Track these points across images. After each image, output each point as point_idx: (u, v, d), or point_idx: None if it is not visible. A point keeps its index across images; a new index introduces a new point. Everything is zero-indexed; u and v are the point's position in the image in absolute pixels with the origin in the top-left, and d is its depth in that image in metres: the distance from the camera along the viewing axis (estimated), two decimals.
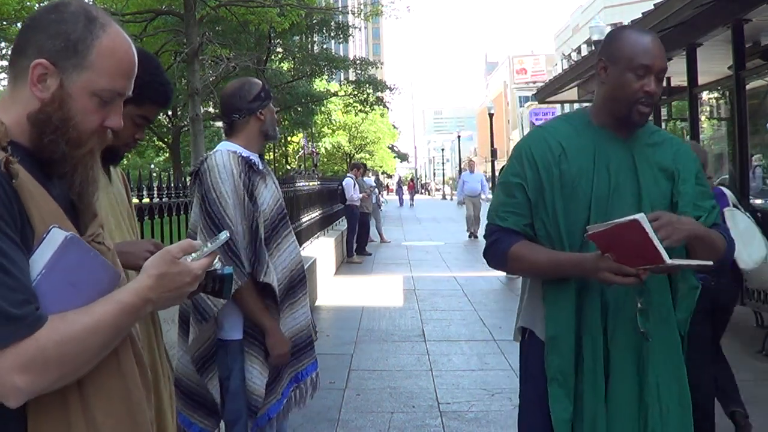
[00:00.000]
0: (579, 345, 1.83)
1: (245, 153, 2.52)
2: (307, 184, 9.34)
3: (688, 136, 7.44)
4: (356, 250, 12.58)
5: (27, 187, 1.08)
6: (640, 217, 1.57)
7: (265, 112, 2.60)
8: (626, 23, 7.24)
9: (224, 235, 1.29)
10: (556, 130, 1.96)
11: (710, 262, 1.72)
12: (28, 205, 1.07)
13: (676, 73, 7.29)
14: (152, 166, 34.24)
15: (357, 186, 12.79)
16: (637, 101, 1.82)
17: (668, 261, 1.60)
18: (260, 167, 2.54)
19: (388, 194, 36.73)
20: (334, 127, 38.91)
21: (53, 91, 1.13)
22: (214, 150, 2.54)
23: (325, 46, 27.04)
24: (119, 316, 1.11)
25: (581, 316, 1.83)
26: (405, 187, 43.01)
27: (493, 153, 28.94)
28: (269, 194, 2.54)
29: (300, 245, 8.31)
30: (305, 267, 2.73)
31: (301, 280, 2.61)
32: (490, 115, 28.47)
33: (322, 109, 29.59)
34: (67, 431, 1.09)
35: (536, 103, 30.79)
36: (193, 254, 1.24)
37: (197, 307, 2.38)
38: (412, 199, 41.33)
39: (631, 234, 1.59)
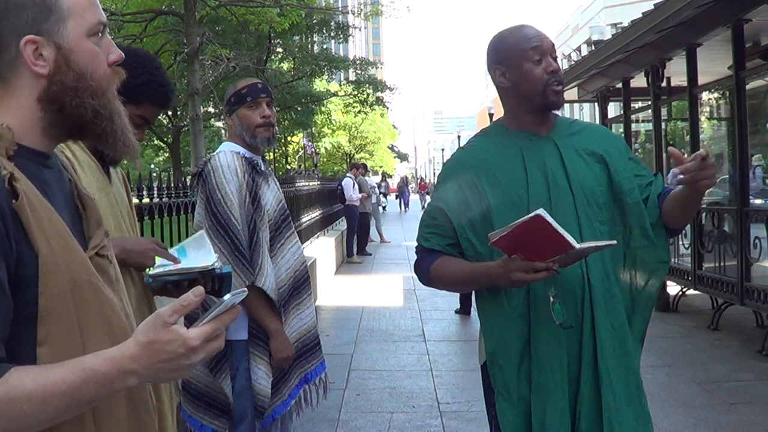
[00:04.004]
0: (522, 356, 1.80)
1: (248, 154, 2.51)
2: (307, 184, 9.33)
3: (688, 136, 7.43)
4: (356, 250, 12.58)
5: (29, 205, 0.99)
6: (541, 211, 1.57)
7: (233, 117, 2.53)
8: (626, 23, 7.23)
9: (228, 298, 1.03)
10: (477, 147, 1.97)
11: (614, 242, 1.74)
12: (29, 224, 0.98)
13: (676, 73, 7.26)
14: (152, 166, 34.23)
15: (356, 186, 12.80)
16: (547, 84, 1.84)
17: (577, 246, 1.62)
18: (262, 168, 2.53)
19: (389, 195, 35.87)
20: (334, 127, 38.89)
21: (54, 58, 1.06)
22: (217, 151, 2.52)
23: (325, 46, 27.04)
24: (83, 387, 0.94)
25: (518, 327, 1.80)
26: (410, 187, 41.72)
27: None
28: (272, 195, 2.54)
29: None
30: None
31: (305, 280, 2.60)
32: (490, 116, 28.44)
33: (322, 109, 29.58)
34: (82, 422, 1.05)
35: None
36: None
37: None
38: (423, 200, 40.21)
39: (535, 230, 1.59)
